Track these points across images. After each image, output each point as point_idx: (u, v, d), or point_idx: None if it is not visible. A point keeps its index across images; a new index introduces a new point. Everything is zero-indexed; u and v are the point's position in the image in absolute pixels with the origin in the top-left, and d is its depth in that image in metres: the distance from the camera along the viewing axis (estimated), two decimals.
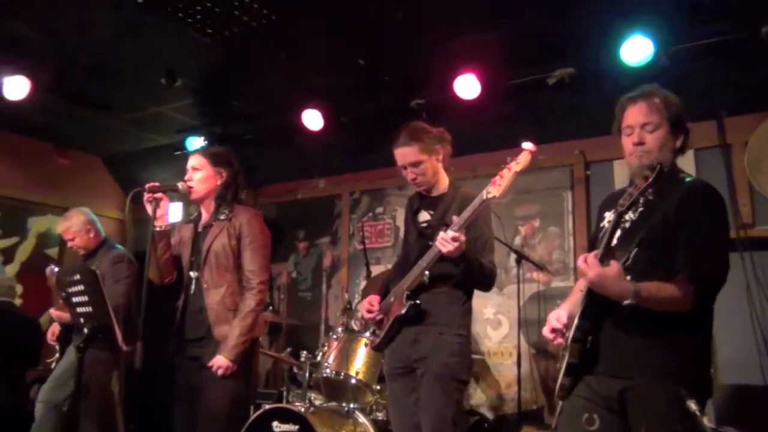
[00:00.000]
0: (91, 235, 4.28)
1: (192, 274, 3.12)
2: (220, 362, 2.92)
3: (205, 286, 3.05)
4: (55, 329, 4.19)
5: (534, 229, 5.06)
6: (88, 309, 3.10)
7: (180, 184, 3.12)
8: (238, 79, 4.98)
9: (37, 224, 6.48)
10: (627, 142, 2.15)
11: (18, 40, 4.35)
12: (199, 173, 3.14)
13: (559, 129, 4.89)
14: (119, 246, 4.47)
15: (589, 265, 1.91)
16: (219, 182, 3.17)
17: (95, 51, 4.54)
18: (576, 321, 2.01)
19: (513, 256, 4.72)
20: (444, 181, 2.96)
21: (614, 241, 1.97)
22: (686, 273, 1.91)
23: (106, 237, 4.42)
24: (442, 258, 2.66)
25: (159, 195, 3.03)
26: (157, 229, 3.05)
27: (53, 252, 6.56)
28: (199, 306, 3.07)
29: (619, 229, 2.00)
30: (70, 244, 4.33)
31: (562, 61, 4.33)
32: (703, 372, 2.00)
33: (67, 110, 5.52)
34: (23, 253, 6.37)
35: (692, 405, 1.85)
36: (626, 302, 1.89)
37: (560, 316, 2.14)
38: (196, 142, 5.76)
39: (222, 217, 3.13)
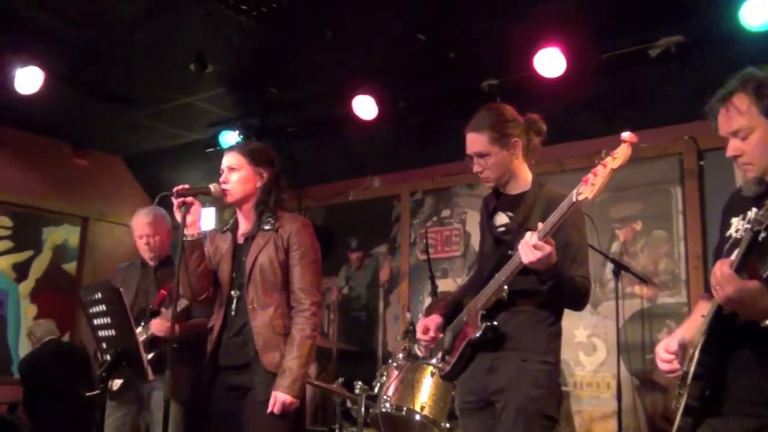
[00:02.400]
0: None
1: (233, 293, 3.17)
2: (282, 399, 2.96)
3: (251, 307, 3.09)
4: None
5: (635, 234, 4.97)
6: (111, 332, 3.20)
7: (212, 186, 3.16)
8: (278, 62, 5.06)
9: (53, 235, 6.73)
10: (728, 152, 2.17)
11: (29, 26, 4.53)
12: (237, 174, 3.18)
13: (664, 111, 4.80)
14: None
15: (726, 278, 1.85)
16: (259, 184, 3.21)
17: (114, 36, 4.68)
18: (697, 355, 1.97)
19: (610, 267, 4.66)
20: (525, 177, 2.92)
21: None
22: None
23: None
24: (524, 270, 2.62)
25: (190, 199, 3.07)
26: (189, 238, 3.10)
27: (71, 267, 6.80)
28: (240, 329, 3.12)
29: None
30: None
31: (668, 28, 4.25)
32: None
33: (84, 104, 5.71)
34: (38, 268, 6.62)
35: None
36: (766, 323, 1.84)
37: (669, 345, 2.10)
38: (230, 137, 5.89)
39: (267, 227, 3.16)
